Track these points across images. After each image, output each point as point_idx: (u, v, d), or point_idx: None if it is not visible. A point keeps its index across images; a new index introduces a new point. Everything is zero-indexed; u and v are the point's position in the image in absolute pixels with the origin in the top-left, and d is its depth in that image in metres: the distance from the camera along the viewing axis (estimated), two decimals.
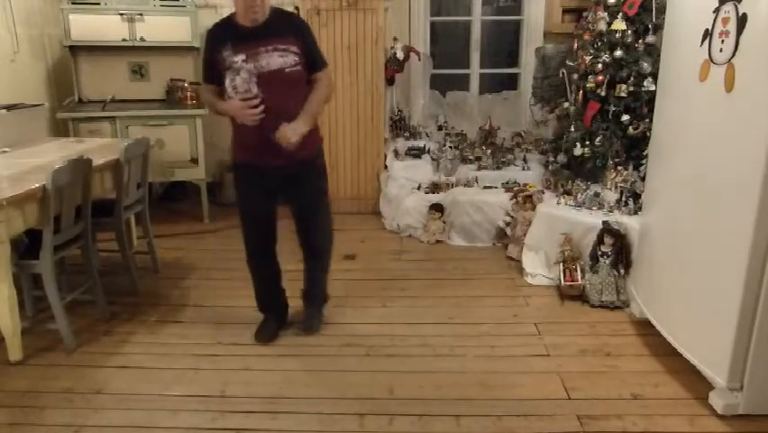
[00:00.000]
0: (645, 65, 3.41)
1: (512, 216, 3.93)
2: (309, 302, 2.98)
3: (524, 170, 4.37)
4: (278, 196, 2.71)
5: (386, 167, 4.71)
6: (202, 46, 2.59)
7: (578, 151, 3.70)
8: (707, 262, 2.29)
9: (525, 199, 3.85)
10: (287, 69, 2.47)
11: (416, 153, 4.68)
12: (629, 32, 3.52)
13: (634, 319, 2.99)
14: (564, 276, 3.25)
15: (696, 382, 2.39)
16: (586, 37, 3.80)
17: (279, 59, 2.46)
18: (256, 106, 2.43)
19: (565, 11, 4.76)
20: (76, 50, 4.46)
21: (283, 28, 2.51)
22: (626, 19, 3.54)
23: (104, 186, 3.15)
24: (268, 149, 2.50)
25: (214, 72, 2.53)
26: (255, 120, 2.44)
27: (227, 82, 2.47)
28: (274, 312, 2.94)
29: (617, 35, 3.54)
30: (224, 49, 2.46)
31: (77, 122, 4.26)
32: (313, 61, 2.58)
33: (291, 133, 2.44)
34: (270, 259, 2.84)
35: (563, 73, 4.11)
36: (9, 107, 3.46)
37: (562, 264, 3.28)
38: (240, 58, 2.44)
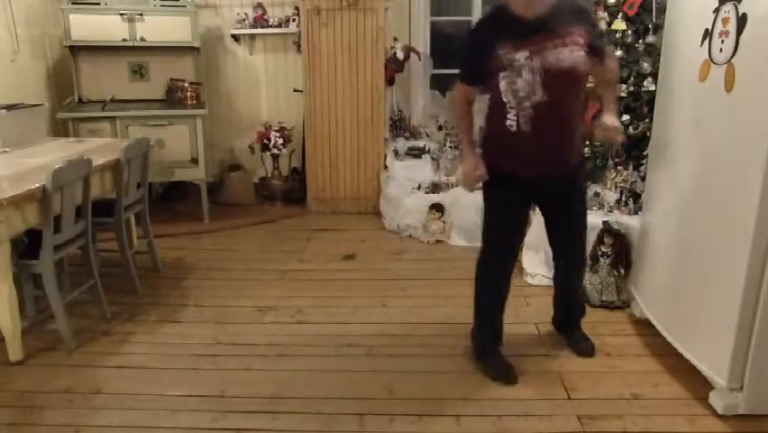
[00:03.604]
0: (645, 65, 3.40)
1: None
2: (575, 325, 2.77)
3: None
4: (536, 203, 2.55)
5: (386, 167, 4.71)
6: (466, 43, 2.37)
7: None
8: (707, 261, 2.29)
9: None
10: (579, 67, 2.15)
11: (416, 153, 4.68)
12: (629, 32, 3.52)
13: (634, 319, 2.99)
14: None
15: (696, 382, 2.39)
16: None
17: (570, 54, 2.11)
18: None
19: None
20: (76, 50, 4.47)
21: (569, 16, 2.16)
22: (626, 19, 3.53)
23: (104, 186, 3.15)
24: (540, 158, 2.25)
25: (478, 72, 2.24)
26: (469, 190, 2.43)
27: (503, 85, 2.16)
28: (496, 342, 2.62)
29: (617, 35, 3.54)
30: (501, 46, 2.14)
31: (77, 122, 4.26)
32: (600, 51, 2.26)
33: (614, 130, 2.24)
34: (509, 277, 2.53)
35: None
36: (9, 107, 3.46)
37: None
38: (522, 55, 2.11)
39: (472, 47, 2.31)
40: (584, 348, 2.70)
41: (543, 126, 2.19)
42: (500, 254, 2.53)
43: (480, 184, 2.41)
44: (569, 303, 2.77)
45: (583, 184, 2.55)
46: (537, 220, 3.57)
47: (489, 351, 2.58)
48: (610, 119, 2.29)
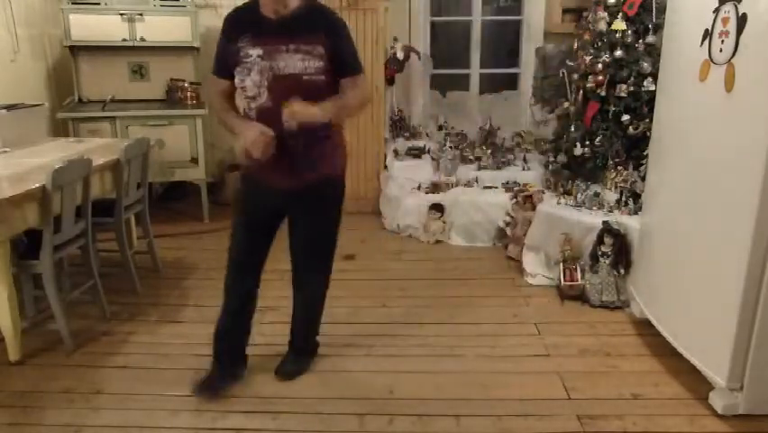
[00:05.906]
0: (645, 65, 3.41)
1: (512, 216, 3.93)
2: (292, 346, 2.65)
3: (524, 170, 4.37)
4: (281, 217, 2.36)
5: (386, 167, 4.71)
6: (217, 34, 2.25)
7: (578, 151, 3.70)
8: (707, 261, 2.29)
9: (525, 199, 3.85)
10: (305, 77, 2.09)
11: (416, 153, 4.68)
12: (629, 32, 3.52)
13: (634, 319, 2.99)
14: (564, 276, 3.25)
15: (696, 382, 2.39)
16: (586, 37, 3.79)
17: (300, 62, 2.08)
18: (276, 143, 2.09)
19: (565, 11, 4.76)
20: (76, 50, 4.47)
21: (312, 25, 2.10)
22: (626, 19, 3.54)
23: (104, 186, 3.15)
24: (276, 166, 2.16)
25: (227, 64, 2.18)
26: (263, 158, 2.07)
27: (237, 81, 2.15)
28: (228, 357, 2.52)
29: (617, 35, 3.54)
30: (241, 39, 2.11)
31: (77, 122, 4.26)
32: (341, 65, 2.16)
33: (300, 109, 2.00)
34: (250, 284, 2.43)
35: (563, 73, 4.11)
36: (9, 107, 3.46)
37: (562, 264, 3.28)
38: (256, 52, 2.09)
39: (221, 38, 2.20)
40: (280, 368, 2.55)
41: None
42: (238, 255, 2.38)
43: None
44: (295, 329, 2.62)
45: (331, 206, 2.34)
46: (537, 220, 3.58)
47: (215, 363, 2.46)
48: (304, 105, 2.01)
